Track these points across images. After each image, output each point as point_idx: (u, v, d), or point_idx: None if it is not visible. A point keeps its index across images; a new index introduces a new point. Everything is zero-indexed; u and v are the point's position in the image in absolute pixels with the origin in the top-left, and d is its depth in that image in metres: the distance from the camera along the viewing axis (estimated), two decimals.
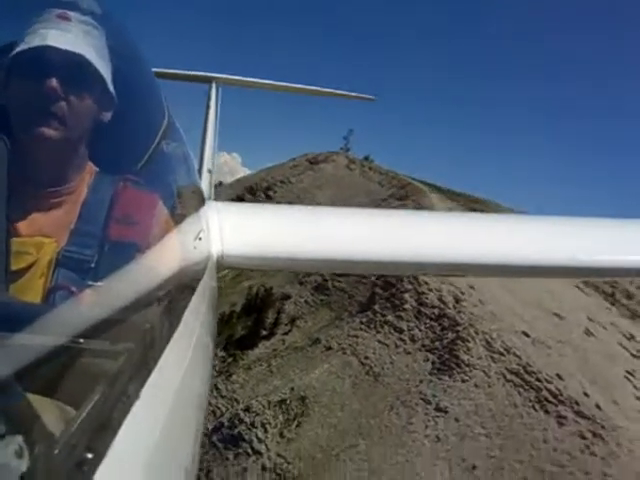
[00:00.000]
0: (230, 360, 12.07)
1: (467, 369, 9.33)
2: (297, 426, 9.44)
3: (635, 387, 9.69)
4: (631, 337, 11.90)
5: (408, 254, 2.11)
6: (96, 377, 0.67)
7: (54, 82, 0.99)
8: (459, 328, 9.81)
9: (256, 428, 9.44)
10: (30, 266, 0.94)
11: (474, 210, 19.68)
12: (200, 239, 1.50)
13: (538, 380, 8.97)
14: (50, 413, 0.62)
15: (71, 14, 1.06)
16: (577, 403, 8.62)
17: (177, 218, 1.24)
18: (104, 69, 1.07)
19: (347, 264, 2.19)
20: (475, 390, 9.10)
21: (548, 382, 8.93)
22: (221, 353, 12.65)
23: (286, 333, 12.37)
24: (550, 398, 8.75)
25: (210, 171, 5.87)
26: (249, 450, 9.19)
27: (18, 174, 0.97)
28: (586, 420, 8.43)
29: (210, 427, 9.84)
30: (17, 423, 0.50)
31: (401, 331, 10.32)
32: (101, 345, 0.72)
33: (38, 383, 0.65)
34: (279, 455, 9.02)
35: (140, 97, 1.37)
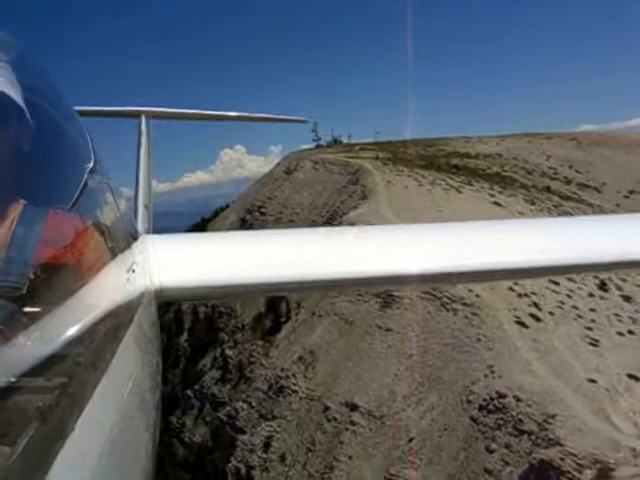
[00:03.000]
0: (267, 345, 17.97)
1: (399, 300, 14.88)
2: (313, 369, 15.30)
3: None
4: None
5: (343, 271, 2.09)
6: (27, 414, 0.68)
7: None
8: None
9: (289, 378, 15.38)
10: None
11: (427, 163, 24.84)
12: (133, 271, 1.50)
13: (440, 292, 14.44)
14: None
15: None
16: (462, 298, 14.08)
17: (106, 253, 1.25)
18: (26, 111, 1.07)
19: (288, 285, 2.19)
20: (405, 312, 14.67)
21: (446, 292, 14.40)
22: (260, 342, 18.59)
23: (297, 314, 18.10)
24: (448, 301, 14.23)
25: (147, 206, 5.82)
26: (289, 391, 15.14)
27: None
28: (469, 307, 13.90)
29: (265, 387, 15.80)
30: None
31: (359, 291, 15.85)
32: (32, 382, 0.72)
33: None
34: (307, 388, 14.92)
35: (63, 137, 1.38)
